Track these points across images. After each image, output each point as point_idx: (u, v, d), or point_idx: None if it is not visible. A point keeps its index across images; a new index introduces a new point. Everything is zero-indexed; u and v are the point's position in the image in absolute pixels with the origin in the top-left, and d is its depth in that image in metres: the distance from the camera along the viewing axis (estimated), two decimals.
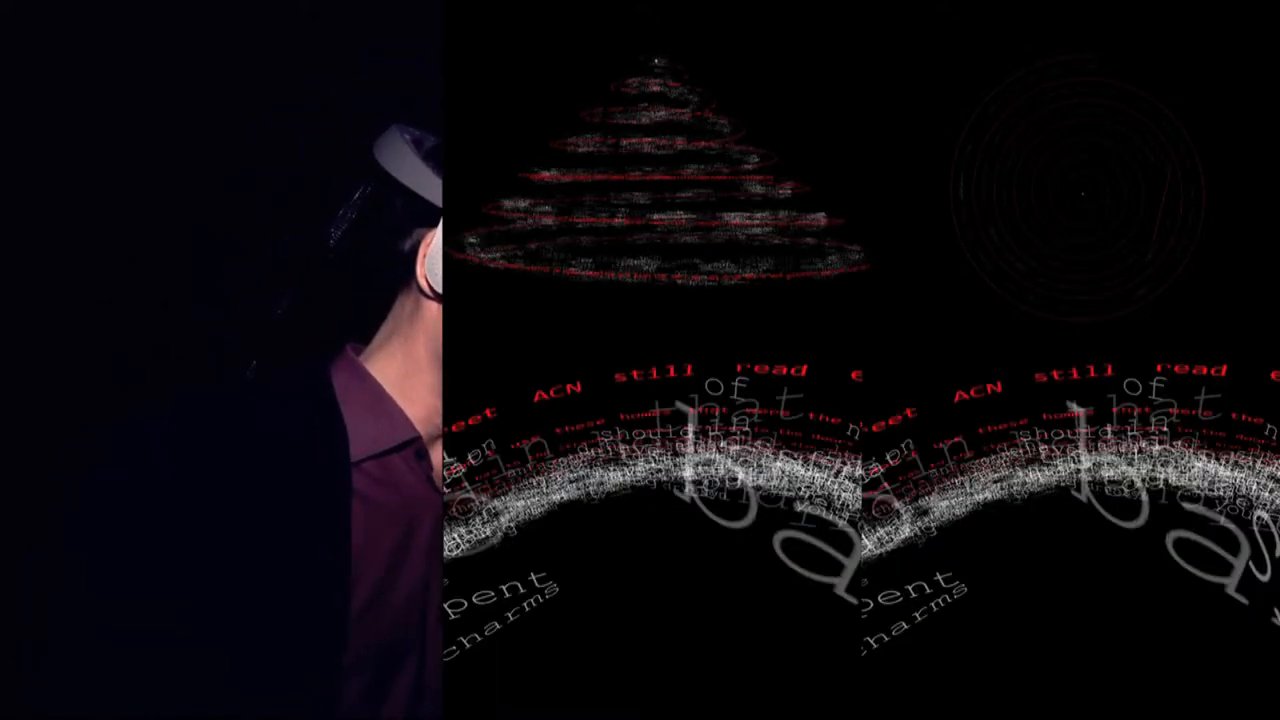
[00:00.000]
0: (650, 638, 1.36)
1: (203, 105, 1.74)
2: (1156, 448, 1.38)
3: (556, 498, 1.37)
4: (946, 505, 1.38)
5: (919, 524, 1.38)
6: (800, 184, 1.42)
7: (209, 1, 1.73)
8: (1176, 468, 1.38)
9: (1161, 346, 1.37)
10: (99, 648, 1.26)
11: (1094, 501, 1.38)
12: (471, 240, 1.41)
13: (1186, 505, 1.37)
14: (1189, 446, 1.37)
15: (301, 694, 1.29)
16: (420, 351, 1.38)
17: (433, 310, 1.37)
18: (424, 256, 1.37)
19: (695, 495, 1.37)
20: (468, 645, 1.35)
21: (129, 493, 1.28)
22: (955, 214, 1.41)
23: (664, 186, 1.40)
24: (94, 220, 1.77)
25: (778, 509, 1.39)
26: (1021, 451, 1.38)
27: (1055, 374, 1.38)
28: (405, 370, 1.39)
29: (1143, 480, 1.38)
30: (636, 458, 1.38)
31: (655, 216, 1.39)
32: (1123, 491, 1.38)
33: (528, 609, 1.36)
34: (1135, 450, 1.38)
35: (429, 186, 1.36)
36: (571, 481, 1.37)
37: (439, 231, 1.36)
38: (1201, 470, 1.37)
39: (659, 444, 1.38)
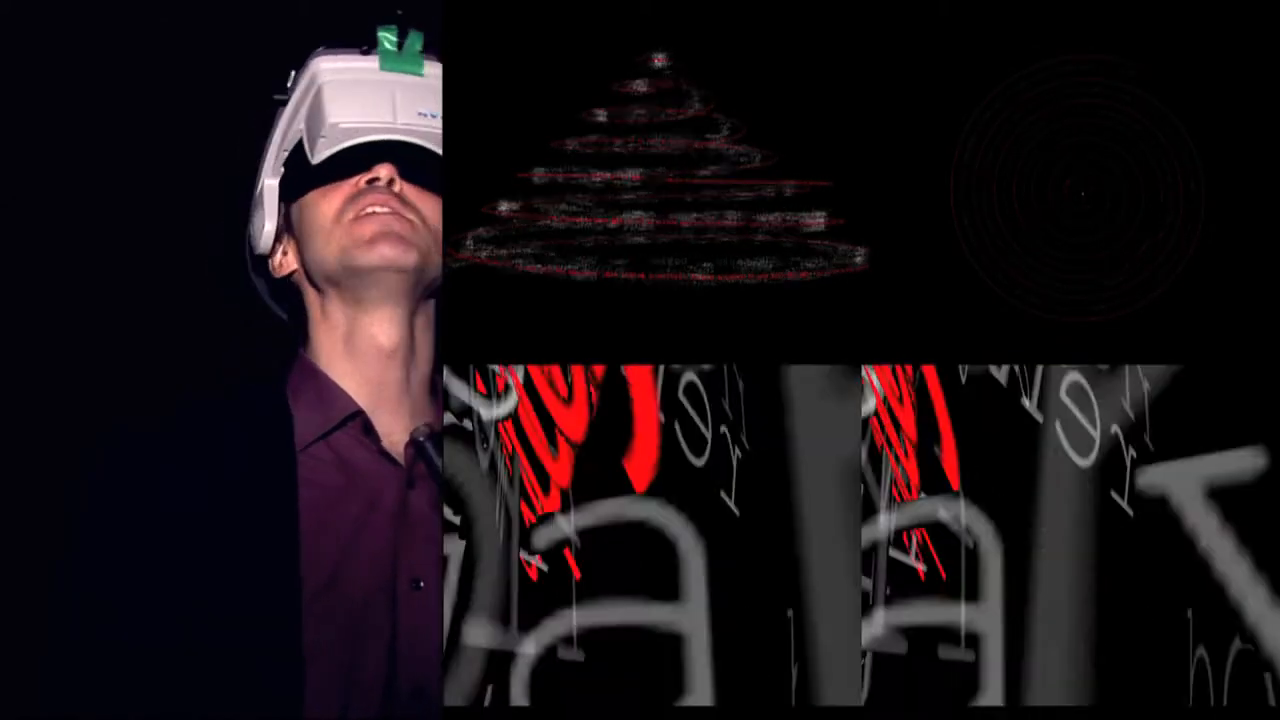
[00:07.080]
0: None
1: (200, 107, 1.74)
2: None
3: None
4: None
5: None
6: (800, 183, 1.43)
7: (209, 1, 1.74)
8: None
9: None
10: (63, 650, 1.30)
11: None
12: (471, 240, 1.41)
13: None
14: None
15: (263, 686, 1.30)
16: (337, 318, 1.41)
17: (330, 274, 1.40)
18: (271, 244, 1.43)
19: None
20: None
21: (103, 502, 1.33)
22: (955, 214, 1.42)
23: (663, 186, 1.40)
24: (83, 225, 1.77)
25: None
26: None
27: None
28: (334, 343, 1.42)
29: None
30: None
31: (654, 216, 1.39)
32: None
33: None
34: None
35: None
36: None
37: (266, 185, 1.42)
38: None
39: None
